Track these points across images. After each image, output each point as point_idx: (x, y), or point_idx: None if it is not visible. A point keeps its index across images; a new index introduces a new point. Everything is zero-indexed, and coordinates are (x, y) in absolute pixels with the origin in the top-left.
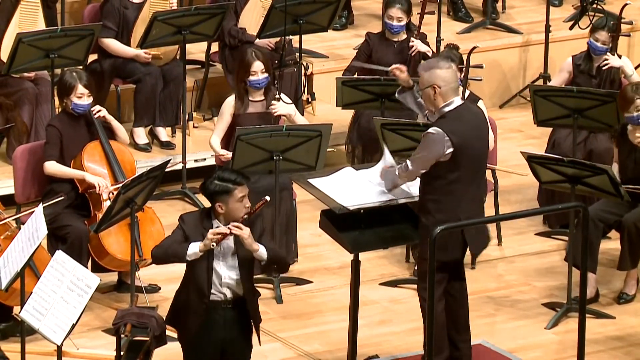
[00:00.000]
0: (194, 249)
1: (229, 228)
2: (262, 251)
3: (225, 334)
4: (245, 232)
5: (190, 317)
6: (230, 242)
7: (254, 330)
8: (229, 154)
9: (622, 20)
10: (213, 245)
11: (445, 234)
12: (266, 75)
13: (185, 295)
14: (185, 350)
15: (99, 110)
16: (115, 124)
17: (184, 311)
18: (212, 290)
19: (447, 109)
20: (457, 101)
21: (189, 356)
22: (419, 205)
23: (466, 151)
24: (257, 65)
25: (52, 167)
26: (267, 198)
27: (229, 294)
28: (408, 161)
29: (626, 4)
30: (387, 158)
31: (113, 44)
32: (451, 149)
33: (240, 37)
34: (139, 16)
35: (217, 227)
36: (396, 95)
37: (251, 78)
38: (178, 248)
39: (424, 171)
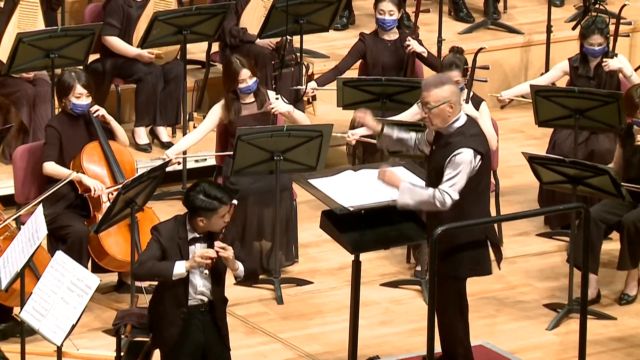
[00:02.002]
0: (180, 269)
1: (215, 251)
2: (240, 270)
3: (205, 337)
4: (230, 254)
5: (168, 327)
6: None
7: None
8: (176, 161)
9: (622, 21)
10: (206, 274)
11: (479, 251)
12: (254, 79)
13: (162, 305)
14: (164, 354)
15: (97, 110)
16: (114, 124)
17: (160, 321)
18: (188, 298)
19: (457, 124)
20: (463, 115)
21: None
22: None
23: (486, 159)
24: (245, 73)
25: (51, 167)
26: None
27: (205, 299)
28: (450, 190)
29: (624, 5)
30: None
31: (116, 42)
32: (479, 157)
33: (241, 37)
34: (142, 14)
35: (193, 237)
36: (377, 145)
37: (241, 86)
38: (162, 268)
39: None
